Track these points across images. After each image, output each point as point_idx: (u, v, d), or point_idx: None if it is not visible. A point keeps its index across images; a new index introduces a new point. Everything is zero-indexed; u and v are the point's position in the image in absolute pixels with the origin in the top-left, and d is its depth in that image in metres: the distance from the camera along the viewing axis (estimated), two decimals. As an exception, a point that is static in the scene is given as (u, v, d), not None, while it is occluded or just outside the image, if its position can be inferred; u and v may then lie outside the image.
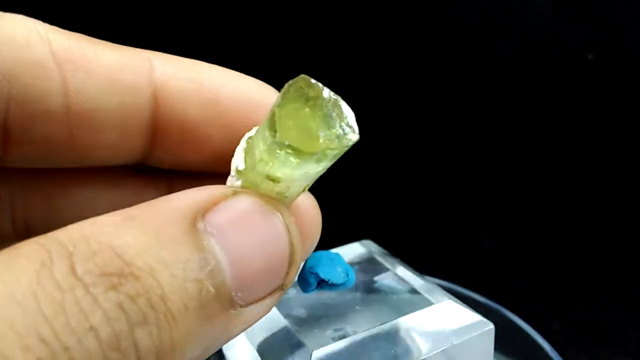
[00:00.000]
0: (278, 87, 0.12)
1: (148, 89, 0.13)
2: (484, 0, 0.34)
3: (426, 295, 0.20)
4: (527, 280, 0.36)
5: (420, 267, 0.27)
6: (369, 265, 0.22)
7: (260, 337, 0.19)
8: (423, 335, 0.18)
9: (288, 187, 0.12)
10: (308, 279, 0.18)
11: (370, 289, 0.21)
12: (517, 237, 0.38)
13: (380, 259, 0.22)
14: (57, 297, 0.08)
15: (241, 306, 0.11)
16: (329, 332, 0.19)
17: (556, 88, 0.35)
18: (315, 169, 0.11)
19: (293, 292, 0.20)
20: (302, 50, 0.36)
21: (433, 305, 0.19)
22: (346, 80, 0.36)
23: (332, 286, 0.18)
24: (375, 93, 0.36)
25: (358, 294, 0.20)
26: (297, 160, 0.11)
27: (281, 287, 0.12)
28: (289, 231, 0.12)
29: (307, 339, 0.18)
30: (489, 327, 0.19)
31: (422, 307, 0.19)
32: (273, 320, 0.19)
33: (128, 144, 0.13)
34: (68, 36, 0.13)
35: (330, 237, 0.17)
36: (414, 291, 0.20)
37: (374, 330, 0.18)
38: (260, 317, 0.12)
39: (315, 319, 0.19)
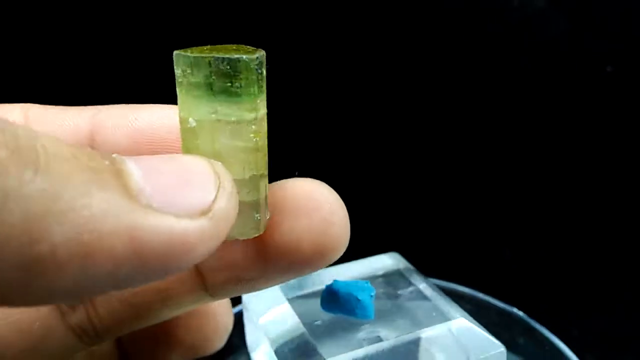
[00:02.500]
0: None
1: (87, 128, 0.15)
2: (503, 13, 0.35)
3: (444, 311, 0.20)
4: (546, 289, 0.37)
5: (444, 276, 0.28)
6: (393, 278, 0.23)
7: (279, 341, 0.19)
8: (437, 350, 0.19)
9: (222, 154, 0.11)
10: (330, 302, 0.19)
11: (392, 302, 0.21)
12: (537, 247, 0.38)
13: (405, 272, 0.23)
14: None
15: (151, 205, 0.10)
16: (344, 342, 0.19)
17: (575, 99, 0.36)
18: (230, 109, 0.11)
19: (316, 305, 0.21)
20: (314, 61, 0.37)
21: (447, 322, 0.20)
22: (368, 97, 0.37)
23: (349, 314, 0.19)
24: (395, 106, 0.37)
25: (379, 306, 0.21)
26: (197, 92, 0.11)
27: (207, 212, 0.10)
28: (212, 165, 0.11)
29: (322, 347, 0.19)
30: (500, 350, 0.19)
31: (437, 324, 0.20)
32: (293, 326, 0.20)
33: None
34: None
35: (357, 248, 0.18)
36: (433, 307, 0.21)
37: (389, 343, 0.19)
38: (184, 242, 0.10)
39: (333, 329, 0.20)
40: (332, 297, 0.20)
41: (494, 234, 0.38)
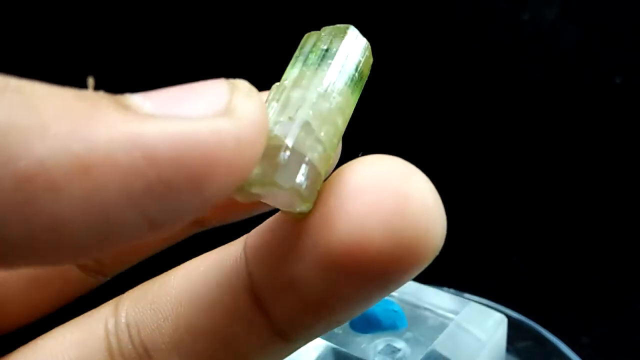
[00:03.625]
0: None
1: None
2: (514, 25, 0.35)
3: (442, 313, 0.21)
4: (555, 296, 0.37)
5: (452, 284, 0.28)
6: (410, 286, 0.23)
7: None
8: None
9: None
10: (363, 322, 0.19)
11: (412, 311, 0.22)
12: (545, 254, 0.39)
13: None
14: None
15: (153, 114, 0.08)
16: (364, 346, 0.20)
17: (585, 110, 0.36)
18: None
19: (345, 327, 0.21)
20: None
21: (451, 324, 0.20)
22: (378, 105, 0.38)
23: (388, 329, 0.19)
24: (406, 115, 0.38)
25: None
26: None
27: (222, 113, 0.08)
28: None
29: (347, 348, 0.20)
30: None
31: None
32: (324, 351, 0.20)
33: None
34: None
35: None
36: (445, 317, 0.21)
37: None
38: (203, 145, 0.08)
39: (356, 335, 0.21)
40: (365, 317, 0.20)
41: (502, 241, 0.39)
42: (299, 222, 0.10)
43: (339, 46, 0.11)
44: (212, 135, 0.08)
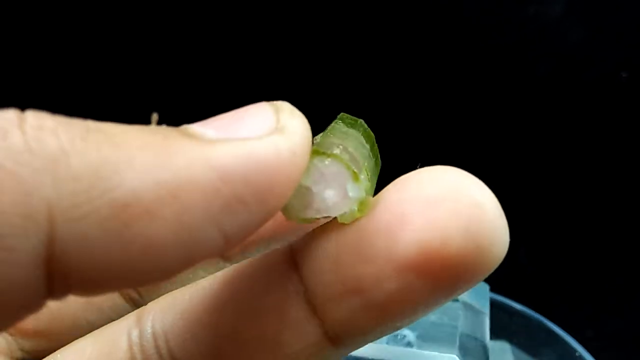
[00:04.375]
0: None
1: None
2: (519, 21, 0.35)
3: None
4: (561, 290, 0.37)
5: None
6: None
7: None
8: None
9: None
10: None
11: None
12: (552, 248, 0.39)
13: None
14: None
15: (218, 139, 0.09)
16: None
17: (591, 105, 0.36)
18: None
19: None
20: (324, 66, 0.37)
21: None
22: (383, 101, 0.38)
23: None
24: (409, 111, 0.38)
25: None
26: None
27: (274, 130, 0.09)
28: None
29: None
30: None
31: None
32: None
33: None
34: None
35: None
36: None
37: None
38: (266, 160, 0.09)
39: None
40: None
41: (510, 235, 0.39)
42: (364, 227, 0.11)
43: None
44: (272, 151, 0.09)
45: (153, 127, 0.09)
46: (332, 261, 0.11)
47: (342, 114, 0.13)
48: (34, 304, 0.08)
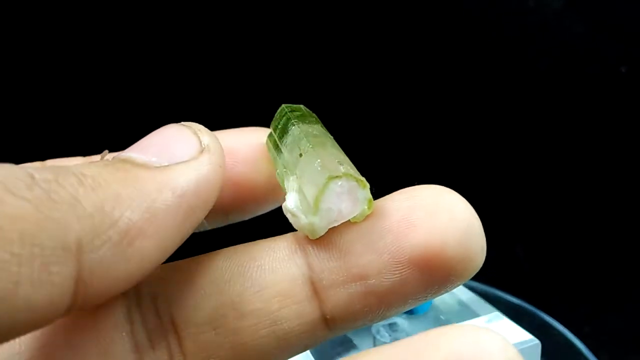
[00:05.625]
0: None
1: None
2: (519, 14, 0.35)
3: (473, 307, 0.21)
4: (559, 286, 0.37)
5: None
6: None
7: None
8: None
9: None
10: None
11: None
12: (550, 244, 0.39)
13: None
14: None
15: (162, 164, 0.12)
16: (379, 337, 0.20)
17: (590, 99, 0.36)
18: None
19: None
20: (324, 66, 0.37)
21: (481, 317, 0.20)
22: (382, 98, 0.38)
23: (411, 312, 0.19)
24: (409, 106, 0.38)
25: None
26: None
27: (203, 149, 0.12)
28: (183, 124, 0.13)
29: (357, 340, 0.20)
30: (535, 343, 0.20)
31: (468, 319, 0.20)
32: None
33: None
34: None
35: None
36: (461, 303, 0.22)
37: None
38: (206, 174, 0.12)
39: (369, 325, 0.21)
40: None
41: (507, 231, 0.39)
42: (374, 224, 0.13)
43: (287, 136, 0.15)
44: (209, 168, 0.12)
45: (111, 164, 0.12)
46: (341, 250, 0.13)
47: (283, 105, 0.15)
48: (58, 316, 0.10)
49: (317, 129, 0.14)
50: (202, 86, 0.38)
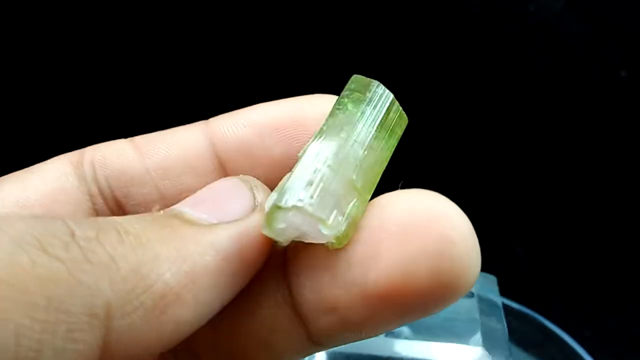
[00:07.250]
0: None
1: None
2: (519, 17, 0.35)
3: (463, 327, 0.21)
4: (559, 289, 0.37)
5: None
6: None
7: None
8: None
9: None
10: None
11: None
12: (550, 246, 0.39)
13: None
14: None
15: (212, 222, 0.11)
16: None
17: (590, 103, 0.36)
18: None
19: None
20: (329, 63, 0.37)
21: (462, 346, 0.20)
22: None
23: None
24: (410, 107, 0.38)
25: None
26: None
27: (255, 208, 0.12)
28: (239, 178, 0.12)
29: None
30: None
31: (452, 340, 0.20)
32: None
33: None
34: None
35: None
36: (450, 319, 0.21)
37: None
38: (254, 236, 0.11)
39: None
40: None
41: (507, 233, 0.39)
42: (342, 255, 0.11)
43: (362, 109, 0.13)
44: (257, 229, 0.11)
45: (159, 219, 0.11)
46: (314, 281, 0.12)
47: (354, 76, 0.14)
48: None
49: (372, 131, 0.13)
50: (202, 86, 0.38)
